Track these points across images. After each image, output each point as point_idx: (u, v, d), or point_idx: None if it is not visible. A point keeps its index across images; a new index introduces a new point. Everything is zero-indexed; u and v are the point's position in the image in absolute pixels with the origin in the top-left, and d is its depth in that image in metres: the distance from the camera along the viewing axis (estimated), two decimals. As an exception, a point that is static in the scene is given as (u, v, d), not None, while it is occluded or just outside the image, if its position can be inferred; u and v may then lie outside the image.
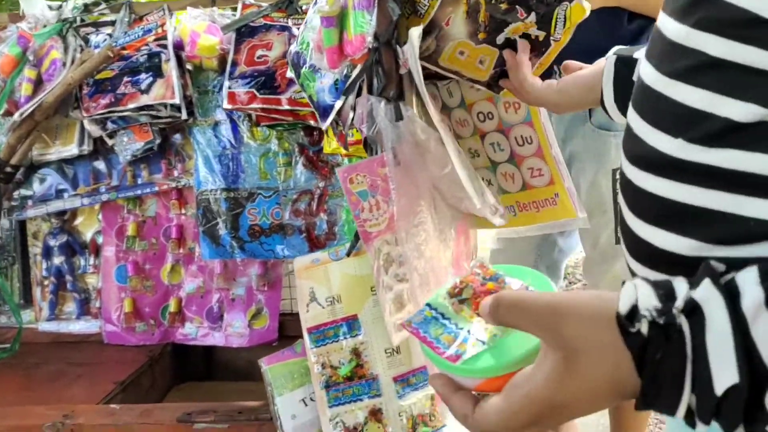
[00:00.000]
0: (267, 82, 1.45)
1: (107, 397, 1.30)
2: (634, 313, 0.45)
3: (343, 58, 1.04)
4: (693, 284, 0.45)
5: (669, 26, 0.57)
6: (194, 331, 1.62)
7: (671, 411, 0.45)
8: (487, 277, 0.56)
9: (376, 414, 0.98)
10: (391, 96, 0.99)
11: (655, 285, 0.47)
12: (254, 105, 1.45)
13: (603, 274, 1.62)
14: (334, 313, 0.99)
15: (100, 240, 1.61)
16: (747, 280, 0.44)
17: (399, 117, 0.96)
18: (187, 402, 1.49)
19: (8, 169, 1.48)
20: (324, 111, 1.14)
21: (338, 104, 1.10)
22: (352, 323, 0.99)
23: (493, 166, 1.24)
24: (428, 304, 0.57)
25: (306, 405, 0.99)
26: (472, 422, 0.51)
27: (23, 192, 1.56)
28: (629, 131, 0.60)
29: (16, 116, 1.46)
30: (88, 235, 1.63)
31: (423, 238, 0.93)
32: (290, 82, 1.43)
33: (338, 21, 1.02)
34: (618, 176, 1.43)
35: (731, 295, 0.44)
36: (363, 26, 0.99)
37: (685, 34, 0.54)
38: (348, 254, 1.00)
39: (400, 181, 0.95)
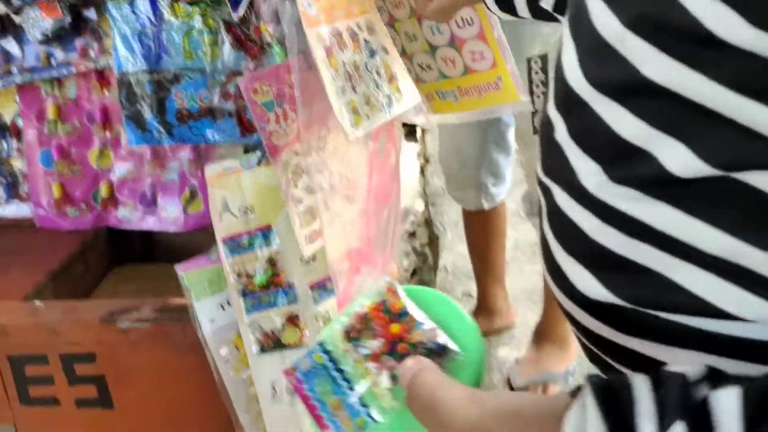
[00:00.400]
0: (182, -46, 1.33)
1: (36, 289, 1.31)
2: None
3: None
4: (664, 424, 0.34)
5: (598, 11, 0.43)
6: (128, 216, 1.60)
7: None
8: (394, 312, 0.47)
9: (293, 319, 1.00)
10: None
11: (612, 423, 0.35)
12: (171, -19, 1.33)
13: (528, 162, 1.62)
14: (248, 224, 0.98)
15: (20, 123, 1.54)
16: (726, 414, 0.33)
17: (306, 20, 0.89)
18: (121, 287, 1.51)
19: None
20: (235, 0, 1.06)
21: (249, -4, 1.02)
22: (266, 233, 0.98)
23: (432, 50, 1.18)
24: (321, 344, 0.49)
25: (224, 309, 1.01)
26: None
27: (-70, 74, 1.46)
28: (549, 132, 0.48)
29: None
30: (7, 118, 1.56)
31: (331, 148, 0.90)
32: (208, -46, 1.32)
33: None
34: (534, 66, 1.37)
35: None
36: None
37: (621, 35, 0.41)
38: (258, 163, 0.97)
39: (310, 88, 0.90)
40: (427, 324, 0.46)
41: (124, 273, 1.60)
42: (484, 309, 2.24)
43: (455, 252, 2.75)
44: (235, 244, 0.98)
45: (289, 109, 0.91)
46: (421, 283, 2.20)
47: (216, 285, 1.00)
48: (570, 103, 0.45)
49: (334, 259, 0.90)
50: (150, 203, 1.61)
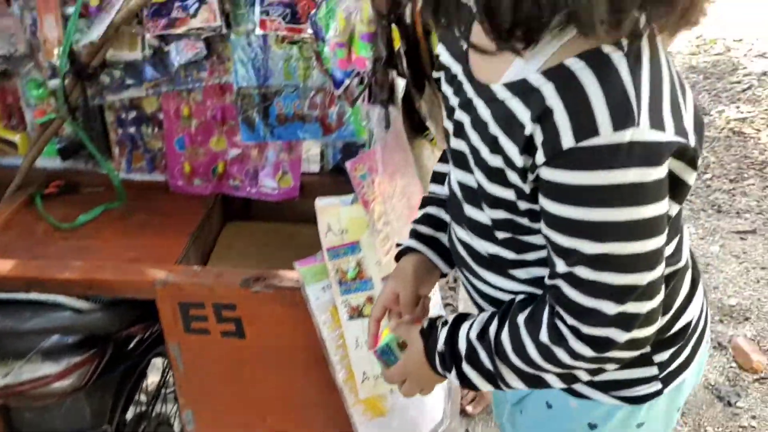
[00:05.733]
0: (292, 15, 1.79)
1: (185, 250, 1.88)
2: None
3: (350, 64, 1.43)
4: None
5: None
6: (237, 185, 2.15)
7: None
8: None
9: (370, 299, 1.56)
10: (383, 100, 1.41)
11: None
12: (281, 32, 1.81)
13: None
14: (343, 240, 1.52)
15: (160, 116, 2.07)
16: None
17: (387, 125, 1.39)
18: (235, 242, 2.08)
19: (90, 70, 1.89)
20: (336, 82, 1.55)
21: (347, 83, 1.51)
22: (355, 246, 1.53)
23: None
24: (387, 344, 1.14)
25: (324, 291, 1.57)
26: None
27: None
28: None
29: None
30: (149, 111, 2.08)
31: (399, 194, 1.43)
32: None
33: (347, 42, 1.39)
34: None
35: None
36: (365, 50, 1.37)
37: None
38: (352, 203, 1.50)
39: (385, 162, 1.42)
40: None
41: (233, 229, 2.16)
42: None
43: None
44: (335, 252, 1.52)
45: (375, 177, 1.41)
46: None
47: (320, 275, 1.55)
48: None
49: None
50: (252, 178, 2.15)
